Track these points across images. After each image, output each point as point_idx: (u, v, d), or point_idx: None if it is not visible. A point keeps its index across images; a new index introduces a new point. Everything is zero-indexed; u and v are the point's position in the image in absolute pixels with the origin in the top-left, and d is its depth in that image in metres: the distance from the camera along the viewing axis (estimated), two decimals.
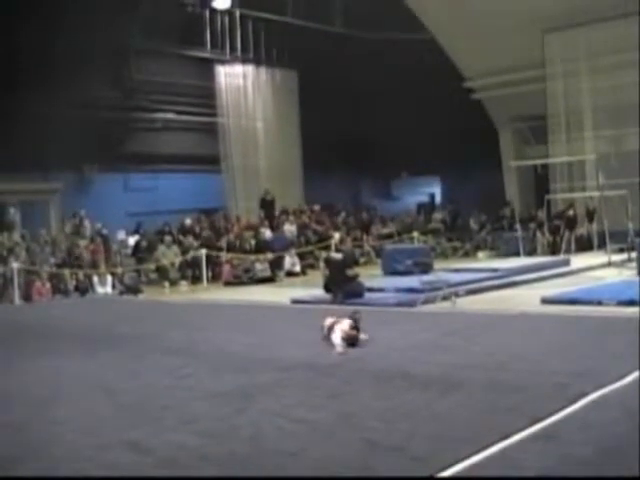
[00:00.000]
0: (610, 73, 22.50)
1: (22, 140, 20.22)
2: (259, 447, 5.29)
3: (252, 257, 21.49)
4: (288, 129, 28.55)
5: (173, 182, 25.67)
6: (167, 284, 20.64)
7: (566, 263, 18.55)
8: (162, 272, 21.12)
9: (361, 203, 31.71)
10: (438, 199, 34.01)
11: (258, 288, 19.01)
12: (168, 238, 21.89)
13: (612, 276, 15.89)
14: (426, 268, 16.59)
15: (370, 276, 17.46)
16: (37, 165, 22.03)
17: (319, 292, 14.49)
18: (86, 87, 22.73)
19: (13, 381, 8.18)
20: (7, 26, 20.22)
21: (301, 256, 22.91)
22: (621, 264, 17.64)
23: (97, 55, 22.93)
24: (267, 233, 23.93)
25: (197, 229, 23.52)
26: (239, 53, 27.74)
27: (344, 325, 8.94)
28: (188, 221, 23.85)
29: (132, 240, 23.04)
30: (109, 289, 19.53)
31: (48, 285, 18.63)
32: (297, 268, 22.09)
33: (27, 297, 18.29)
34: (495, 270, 16.72)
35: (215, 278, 21.34)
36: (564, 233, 22.78)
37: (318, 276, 17.67)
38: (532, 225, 23.74)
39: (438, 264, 18.59)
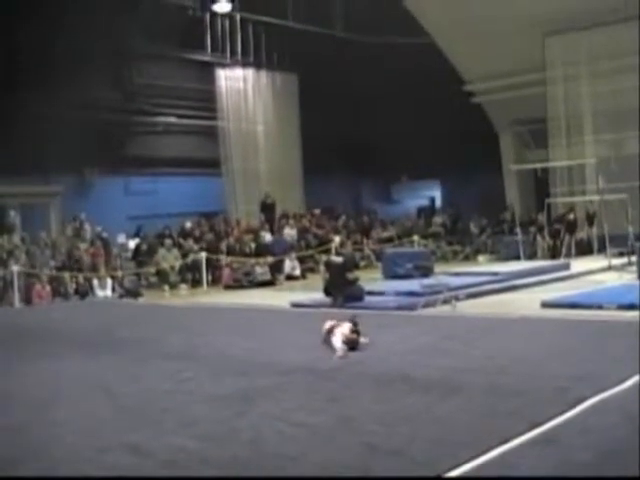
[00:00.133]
0: (610, 77, 22.51)
1: (23, 143, 20.26)
2: (259, 451, 5.28)
3: (252, 261, 21.49)
4: (288, 133, 28.57)
5: (173, 185, 25.69)
6: (167, 287, 20.64)
7: (566, 267, 18.54)
8: (162, 275, 21.12)
9: (361, 207, 31.73)
10: (438, 203, 34.00)
11: (258, 292, 19.00)
12: (168, 241, 21.90)
13: (612, 280, 15.89)
14: (426, 272, 16.60)
15: (370, 280, 17.47)
16: (37, 168, 22.03)
17: (319, 296, 14.48)
18: (87, 90, 22.75)
19: (13, 384, 8.17)
20: (8, 28, 20.26)
21: (301, 260, 22.92)
22: (621, 268, 17.64)
23: (98, 58, 22.98)
24: (267, 237, 23.94)
25: (197, 233, 23.52)
26: (239, 57, 27.75)
27: (344, 329, 8.93)
28: (188, 224, 23.87)
29: (132, 243, 23.05)
30: (109, 292, 19.52)
31: (48, 288, 18.62)
32: (297, 272, 22.09)
33: (27, 300, 18.29)
34: (495, 274, 16.71)
35: (215, 282, 21.33)
36: (564, 237, 22.79)
37: (318, 280, 17.65)
38: (532, 229, 23.75)
39: (438, 268, 18.58)
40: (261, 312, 14.30)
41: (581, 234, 23.13)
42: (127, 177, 25.17)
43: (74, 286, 19.31)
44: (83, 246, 20.73)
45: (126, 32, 23.76)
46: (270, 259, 21.62)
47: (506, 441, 5.10)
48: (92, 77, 23.08)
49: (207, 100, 26.51)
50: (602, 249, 20.65)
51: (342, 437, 5.49)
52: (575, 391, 6.34)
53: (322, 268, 17.73)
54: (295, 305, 14.43)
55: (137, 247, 22.61)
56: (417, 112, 26.63)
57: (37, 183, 22.74)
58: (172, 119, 26.24)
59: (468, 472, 4.66)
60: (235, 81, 27.61)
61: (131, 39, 24.15)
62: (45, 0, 20.45)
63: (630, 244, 18.47)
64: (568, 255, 21.76)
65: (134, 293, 19.39)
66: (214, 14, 26.90)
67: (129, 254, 22.48)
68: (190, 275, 21.36)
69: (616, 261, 18.54)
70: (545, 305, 12.30)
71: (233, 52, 27.63)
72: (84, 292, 19.19)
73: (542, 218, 23.48)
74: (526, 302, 13.00)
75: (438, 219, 28.49)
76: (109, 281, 19.70)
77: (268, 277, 20.75)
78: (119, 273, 20.39)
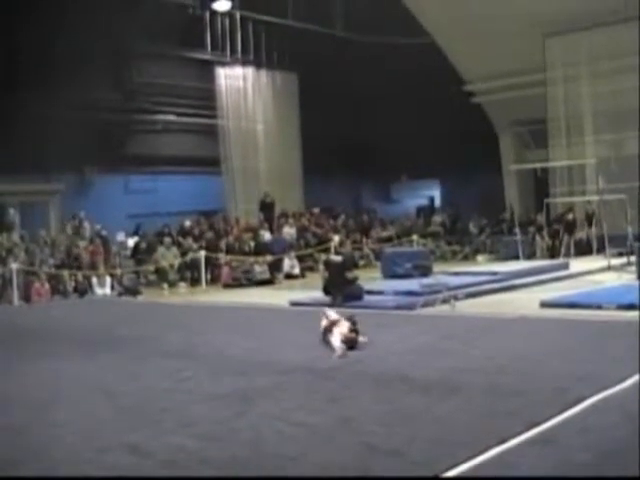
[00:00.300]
0: (610, 78, 22.50)
1: (23, 141, 20.24)
2: (258, 451, 5.28)
3: (251, 259, 21.49)
4: (288, 132, 28.56)
5: (173, 184, 25.68)
6: (166, 286, 20.63)
7: (565, 267, 18.54)
8: (161, 274, 21.11)
9: (361, 206, 31.73)
10: (438, 202, 34.01)
11: (257, 290, 18.99)
12: (167, 240, 21.88)
13: (611, 280, 15.89)
14: (425, 271, 16.60)
15: (369, 279, 17.46)
16: (37, 166, 22.03)
17: (318, 294, 14.47)
18: (87, 89, 22.72)
19: (12, 383, 8.17)
20: (8, 27, 20.24)
21: (300, 258, 22.92)
22: (620, 268, 17.64)
23: (98, 57, 22.96)
24: (266, 235, 23.93)
25: (196, 231, 23.51)
26: (239, 55, 27.73)
27: (343, 328, 8.94)
28: (187, 223, 23.85)
29: (131, 242, 23.05)
30: (108, 290, 19.51)
31: (47, 286, 18.60)
32: (296, 270, 22.09)
33: (26, 298, 18.28)
34: (494, 273, 16.70)
35: (214, 280, 21.30)
36: (563, 237, 22.80)
37: (317, 279, 17.66)
38: (531, 229, 23.75)
39: (437, 267, 18.57)
40: (260, 311, 14.31)
41: (580, 234, 23.12)
42: (127, 175, 25.16)
43: (73, 284, 19.30)
44: (82, 244, 20.72)
45: (126, 31, 23.72)
46: (269, 258, 21.61)
47: (505, 441, 5.12)
48: (92, 76, 23.05)
49: (207, 99, 26.50)
50: (601, 249, 20.65)
51: (341, 437, 5.49)
52: (574, 391, 6.35)
53: (321, 267, 17.74)
54: (294, 304, 14.42)
55: (136, 245, 22.61)
56: (417, 112, 26.63)
57: (37, 181, 22.74)
58: (172, 117, 26.23)
59: (467, 472, 4.66)
60: (235, 80, 27.59)
61: (131, 38, 24.12)
62: (45, 0, 20.43)
63: (629, 244, 18.47)
64: (567, 255, 21.76)
65: (133, 291, 19.38)
66: (214, 12, 26.88)
67: (128, 252, 22.48)
68: (189, 273, 21.35)
69: (615, 261, 18.53)
70: (544, 305, 12.30)
71: (233, 51, 27.61)
72: (83, 290, 19.18)
73: (541, 218, 23.48)
74: (525, 302, 13.00)
75: (437, 219, 28.48)
76: (108, 279, 19.70)
77: (267, 276, 20.75)
78: (118, 271, 20.38)
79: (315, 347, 9.05)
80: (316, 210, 27.81)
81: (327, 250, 22.62)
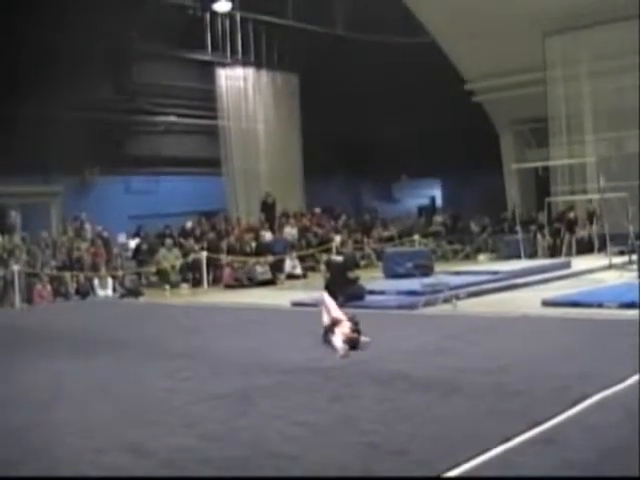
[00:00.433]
0: (611, 76, 22.50)
1: (23, 143, 20.24)
2: (260, 450, 5.28)
3: (253, 260, 21.48)
4: (289, 132, 28.58)
5: (174, 185, 25.71)
6: (168, 287, 20.63)
7: (567, 266, 18.54)
8: (163, 275, 21.11)
9: (362, 206, 31.73)
10: (439, 202, 34.04)
11: (259, 291, 18.98)
12: (169, 241, 21.90)
13: (613, 279, 15.87)
14: (427, 271, 16.57)
15: (371, 279, 17.47)
16: (38, 168, 22.04)
17: (320, 295, 14.45)
18: (87, 90, 22.74)
19: (14, 384, 8.17)
20: (8, 28, 20.24)
21: (302, 259, 22.91)
22: (622, 267, 17.61)
23: (98, 58, 23.00)
24: (268, 236, 23.93)
25: (198, 232, 23.52)
26: (240, 56, 27.73)
27: (345, 328, 8.94)
28: (189, 224, 23.87)
29: (133, 243, 23.06)
30: (110, 292, 19.51)
31: (49, 288, 18.61)
32: (298, 271, 22.08)
33: (28, 300, 18.28)
34: (496, 273, 16.70)
35: (216, 281, 21.29)
36: (565, 236, 22.78)
37: (319, 279, 17.65)
38: (533, 228, 23.73)
39: (439, 267, 18.55)
40: (262, 311, 14.31)
41: (582, 233, 23.11)
42: (128, 176, 25.17)
43: (75, 286, 19.29)
44: (84, 246, 20.72)
45: (126, 32, 23.77)
46: (271, 258, 21.60)
47: (507, 440, 5.10)
48: (92, 77, 23.08)
49: (207, 99, 26.52)
50: (603, 248, 20.64)
51: (343, 436, 5.49)
52: (576, 389, 6.34)
53: (323, 267, 17.73)
54: (296, 304, 14.42)
55: (138, 246, 22.61)
56: (418, 111, 26.61)
57: (38, 183, 22.75)
58: (172, 118, 26.25)
59: (469, 471, 4.65)
60: (235, 80, 27.60)
61: (131, 39, 24.15)
62: (45, 0, 20.43)
63: (630, 243, 18.47)
64: (569, 254, 21.74)
65: (135, 293, 19.39)
66: (214, 13, 26.88)
67: (130, 254, 22.49)
68: (191, 274, 21.35)
69: (617, 260, 18.52)
70: (546, 304, 12.29)
71: (233, 51, 27.61)
72: (85, 292, 19.18)
73: (542, 217, 23.47)
74: (527, 301, 12.99)
75: (439, 218, 28.49)
76: (110, 281, 19.69)
77: (269, 276, 20.72)
78: (120, 273, 20.38)
79: (316, 347, 9.05)
80: (317, 210, 27.81)
81: (328, 250, 22.62)
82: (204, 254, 20.99)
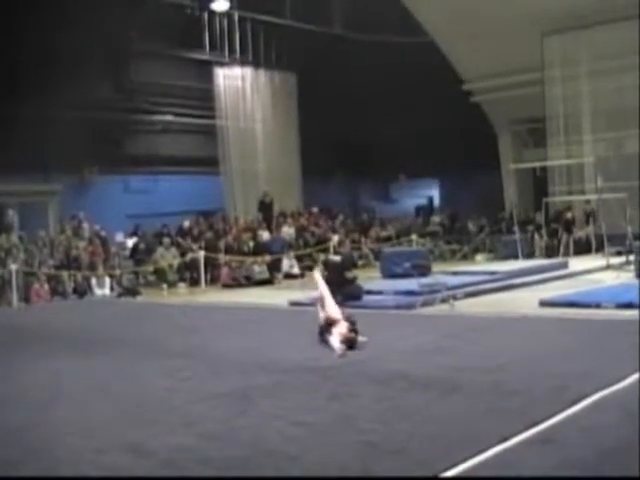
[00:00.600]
0: (610, 76, 22.51)
1: (22, 142, 20.19)
2: (259, 450, 5.28)
3: (250, 259, 21.48)
4: (287, 131, 28.57)
5: (172, 184, 25.70)
6: (165, 286, 20.63)
7: (564, 266, 18.56)
8: (160, 274, 21.10)
9: (360, 205, 31.73)
10: (437, 202, 34.05)
11: (256, 290, 18.99)
12: (167, 240, 21.89)
13: (610, 279, 15.89)
14: (424, 271, 16.57)
15: (368, 279, 17.46)
16: (36, 167, 22.03)
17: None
18: (86, 89, 22.71)
19: (12, 384, 8.17)
20: (7, 27, 20.23)
21: (299, 258, 22.91)
22: (619, 267, 17.63)
23: (97, 57, 22.96)
24: (265, 235, 23.93)
25: (195, 231, 23.52)
26: (238, 55, 27.74)
27: (342, 328, 8.95)
28: (186, 223, 23.86)
29: (130, 242, 23.05)
30: (107, 291, 19.50)
31: (46, 287, 18.60)
32: (295, 270, 22.08)
33: (26, 299, 18.27)
34: (493, 273, 16.71)
35: (213, 280, 21.29)
36: (562, 236, 22.80)
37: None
38: (530, 228, 23.75)
39: (436, 267, 18.57)
40: (259, 311, 14.31)
41: (580, 233, 23.13)
42: (126, 176, 25.17)
43: (72, 285, 19.29)
44: (81, 245, 20.71)
45: (125, 31, 23.76)
46: (268, 258, 21.60)
47: (505, 439, 5.12)
48: (91, 76, 23.05)
49: (205, 99, 26.51)
50: (600, 248, 20.66)
51: (342, 435, 5.49)
52: (574, 389, 6.36)
53: (320, 267, 17.74)
54: (293, 304, 14.42)
55: (135, 246, 22.61)
56: (416, 111, 26.61)
57: (36, 182, 22.73)
58: (171, 118, 26.25)
59: (467, 470, 4.66)
60: (233, 80, 27.60)
61: (130, 38, 24.14)
62: (45, 0, 20.43)
63: (628, 243, 18.48)
64: (566, 254, 21.76)
65: (132, 292, 19.38)
66: (212, 13, 26.90)
67: (127, 253, 22.48)
68: (188, 274, 21.35)
69: (614, 260, 18.54)
70: (543, 304, 12.30)
71: (231, 51, 27.63)
72: (82, 291, 19.17)
73: (540, 217, 23.48)
74: (524, 301, 13.00)
75: (436, 218, 28.51)
76: (107, 280, 19.68)
77: (266, 276, 20.74)
78: (117, 272, 20.37)
79: (314, 346, 9.06)
80: (315, 210, 27.81)
81: (326, 250, 22.63)
82: (202, 253, 20.98)
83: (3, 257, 18.81)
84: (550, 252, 22.46)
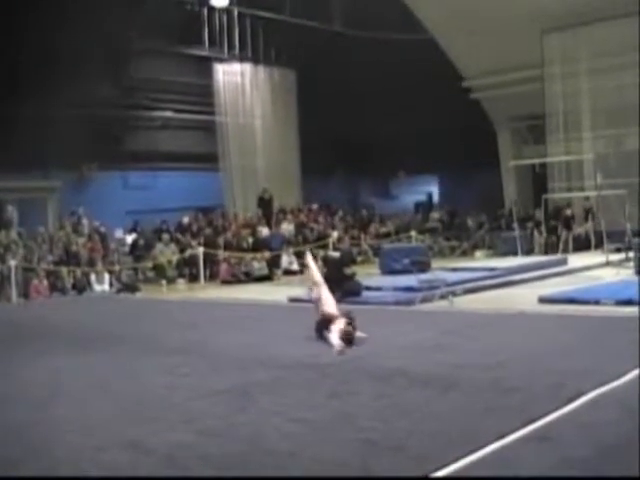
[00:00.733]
0: (609, 73, 22.51)
1: (21, 138, 20.17)
2: (258, 446, 5.28)
3: (249, 255, 21.47)
4: (286, 128, 28.57)
5: (171, 180, 25.70)
6: (164, 282, 20.62)
7: (564, 262, 18.56)
8: (159, 270, 21.11)
9: (359, 202, 31.73)
10: (436, 198, 34.04)
11: (255, 286, 19.00)
12: (166, 236, 21.89)
13: (610, 276, 15.89)
14: (424, 267, 16.58)
15: (368, 275, 17.46)
16: (36, 163, 22.00)
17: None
18: (85, 85, 22.66)
19: (12, 381, 8.16)
20: (7, 25, 20.20)
21: (298, 254, 22.88)
22: (619, 264, 17.63)
23: (96, 54, 22.90)
24: (264, 231, 23.93)
25: (195, 227, 23.52)
26: (237, 51, 27.75)
27: (340, 325, 8.95)
28: (186, 219, 23.86)
29: (130, 238, 23.06)
30: (106, 287, 19.51)
31: (46, 283, 18.60)
32: (294, 266, 22.08)
33: (25, 295, 18.27)
34: (493, 269, 16.72)
35: (213, 276, 21.30)
36: (562, 232, 22.81)
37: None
38: (530, 224, 23.75)
39: (436, 263, 18.58)
40: (259, 307, 14.31)
41: (579, 230, 23.14)
42: (125, 172, 25.18)
43: (72, 281, 19.30)
44: (81, 241, 20.72)
45: (124, 27, 23.70)
46: (267, 254, 21.60)
47: (504, 436, 5.12)
48: (90, 72, 22.99)
49: (205, 95, 26.50)
50: (600, 245, 20.67)
51: (341, 432, 5.49)
52: (573, 386, 6.35)
53: (320, 263, 17.73)
54: (292, 300, 14.42)
55: (134, 242, 22.62)
56: (415, 108, 26.60)
57: (35, 178, 22.70)
58: (170, 114, 26.24)
59: (466, 467, 4.66)
60: (233, 76, 27.59)
61: (129, 34, 24.11)
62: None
63: (627, 240, 18.49)
64: (565, 251, 21.77)
65: (132, 288, 19.38)
66: (212, 9, 26.89)
67: (126, 249, 22.48)
68: (187, 270, 21.36)
69: (613, 257, 18.54)
70: (543, 300, 12.29)
71: (231, 47, 27.62)
72: (82, 287, 19.18)
73: (540, 214, 23.48)
74: (523, 297, 12.99)
75: (435, 214, 28.52)
76: (107, 276, 19.70)
77: (265, 272, 20.75)
78: (117, 268, 20.38)
79: (314, 343, 9.06)
80: (314, 206, 27.81)
81: (325, 246, 22.63)
82: (201, 249, 20.98)
83: (2, 253, 18.81)
84: (549, 249, 22.47)
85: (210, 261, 21.52)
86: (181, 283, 20.80)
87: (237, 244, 22.59)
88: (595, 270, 17.36)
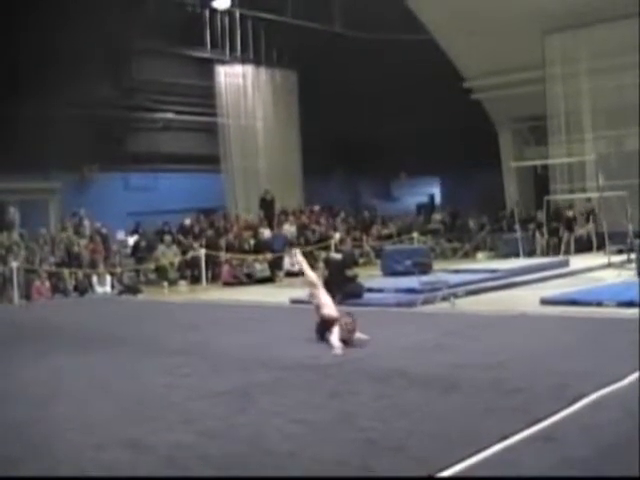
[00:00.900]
0: (611, 74, 22.51)
1: (22, 139, 20.19)
2: (258, 447, 5.28)
3: (251, 257, 21.47)
4: (288, 129, 28.56)
5: (173, 182, 25.69)
6: (166, 284, 20.62)
7: (565, 264, 18.55)
8: (161, 272, 21.10)
9: (361, 203, 31.72)
10: (438, 200, 34.04)
11: (257, 288, 19.00)
12: (167, 238, 21.88)
13: (612, 277, 15.88)
14: (425, 269, 16.55)
15: (369, 276, 17.47)
16: (37, 164, 21.96)
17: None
18: (86, 87, 22.68)
19: (13, 380, 8.17)
20: (7, 25, 20.21)
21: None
22: (620, 265, 17.62)
23: (97, 55, 22.93)
24: (266, 233, 23.92)
25: (196, 229, 23.51)
26: (239, 53, 27.75)
27: (340, 324, 8.95)
28: (188, 221, 23.85)
29: (131, 240, 23.05)
30: (108, 289, 19.50)
31: (47, 284, 18.60)
32: (296, 268, 22.02)
33: (27, 296, 18.27)
34: (494, 271, 16.71)
35: (214, 278, 21.29)
36: (563, 234, 22.79)
37: (317, 276, 17.60)
38: (531, 226, 23.74)
39: (437, 265, 18.56)
40: (260, 309, 14.32)
41: (581, 231, 23.12)
42: (127, 173, 25.17)
43: (73, 282, 19.29)
44: (82, 242, 20.71)
45: (125, 29, 23.71)
46: (269, 255, 21.60)
47: (506, 437, 5.11)
48: (92, 73, 23.01)
49: (206, 96, 26.51)
50: (601, 246, 20.65)
51: (341, 433, 5.49)
52: (575, 387, 6.35)
53: (321, 265, 17.73)
54: (294, 301, 14.42)
55: (136, 243, 22.61)
56: (417, 109, 26.61)
57: (37, 179, 22.70)
58: (171, 115, 26.25)
59: (467, 469, 4.66)
60: (234, 77, 27.59)
61: (130, 36, 24.11)
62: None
63: (629, 241, 18.47)
64: (567, 252, 21.75)
65: (133, 290, 19.38)
66: (213, 10, 26.90)
67: (128, 250, 22.49)
68: (189, 272, 21.36)
69: (615, 258, 18.53)
70: (544, 302, 12.29)
71: (232, 48, 27.63)
72: (83, 288, 19.18)
73: (541, 215, 23.47)
74: (525, 299, 13.00)
75: (437, 216, 28.51)
76: (108, 278, 19.69)
77: (267, 274, 20.75)
78: (118, 269, 20.39)
79: (315, 344, 9.07)
80: (316, 207, 27.80)
81: (327, 248, 22.61)
82: (203, 251, 20.99)
83: (4, 254, 18.81)
84: (551, 250, 22.45)
85: (212, 263, 21.51)
86: (183, 285, 20.81)
87: (239, 246, 22.58)
88: (597, 272, 17.35)
